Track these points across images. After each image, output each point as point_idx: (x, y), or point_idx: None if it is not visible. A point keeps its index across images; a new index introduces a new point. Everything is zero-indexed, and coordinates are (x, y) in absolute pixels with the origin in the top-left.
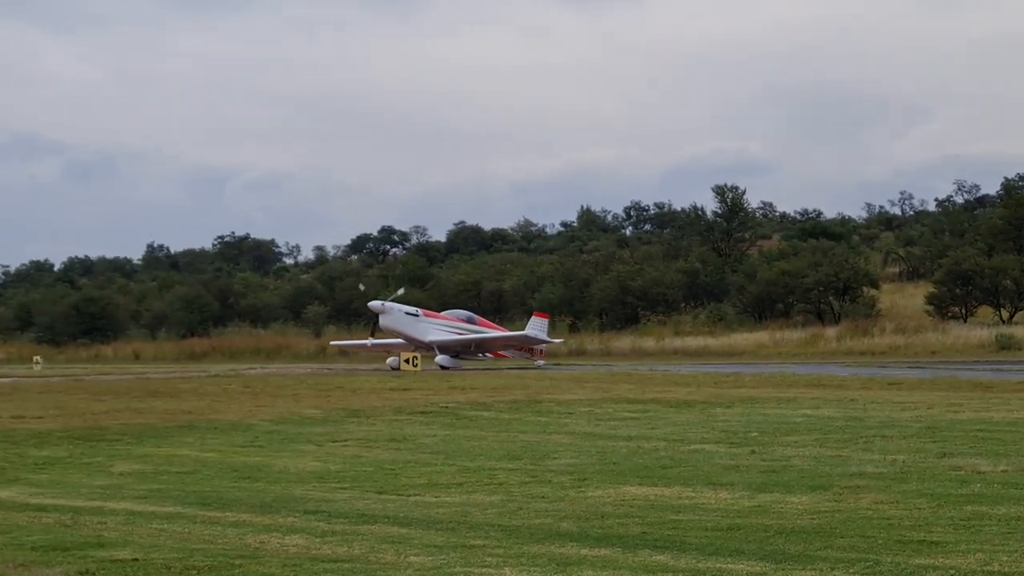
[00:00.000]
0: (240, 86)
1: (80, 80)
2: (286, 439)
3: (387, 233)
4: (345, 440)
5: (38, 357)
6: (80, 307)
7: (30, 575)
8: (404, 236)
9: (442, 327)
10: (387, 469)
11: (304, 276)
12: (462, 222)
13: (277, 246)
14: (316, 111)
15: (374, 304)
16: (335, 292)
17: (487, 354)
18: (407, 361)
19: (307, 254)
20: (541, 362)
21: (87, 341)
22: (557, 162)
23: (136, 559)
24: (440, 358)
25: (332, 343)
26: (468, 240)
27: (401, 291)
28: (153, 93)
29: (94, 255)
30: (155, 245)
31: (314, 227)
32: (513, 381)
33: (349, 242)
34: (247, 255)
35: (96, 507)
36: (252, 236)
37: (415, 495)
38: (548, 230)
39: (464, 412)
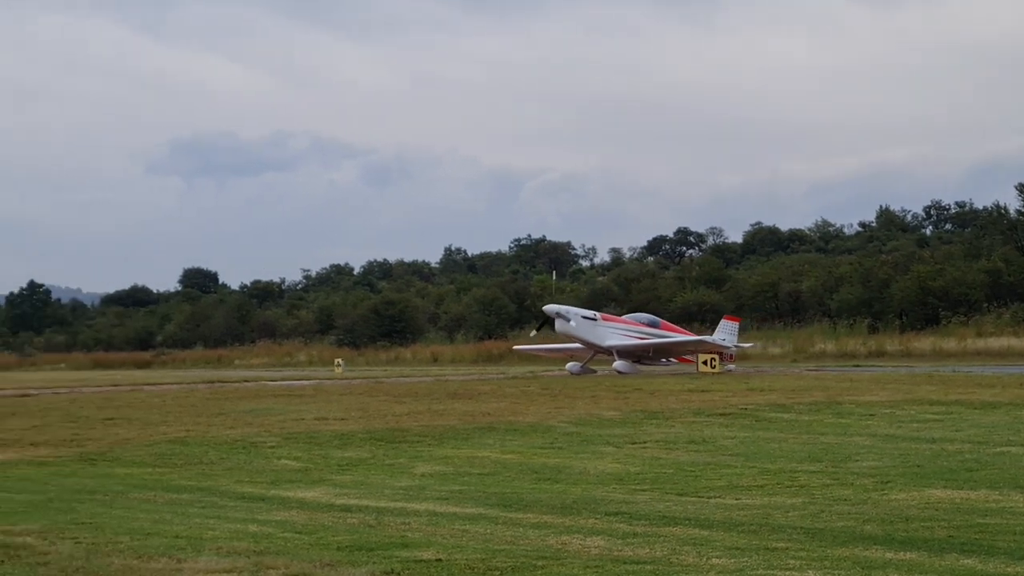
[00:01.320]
0: (536, 88)
1: (377, 85)
2: (585, 441)
3: (683, 234)
4: (644, 442)
5: (339, 359)
6: (379, 310)
7: (336, 574)
8: (700, 237)
9: (622, 331)
10: (687, 471)
11: (600, 278)
12: (758, 223)
13: (573, 248)
14: (611, 113)
15: (549, 308)
16: (631, 294)
17: (671, 359)
18: (704, 363)
19: (603, 256)
20: (732, 367)
21: (386, 343)
22: (854, 161)
23: (439, 559)
24: (617, 363)
25: (515, 347)
26: (764, 241)
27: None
28: (449, 96)
29: (392, 258)
30: (452, 248)
31: (609, 229)
32: (812, 383)
33: (645, 244)
34: (543, 257)
35: (399, 508)
36: (548, 238)
37: (715, 497)
38: (846, 230)
39: (763, 414)
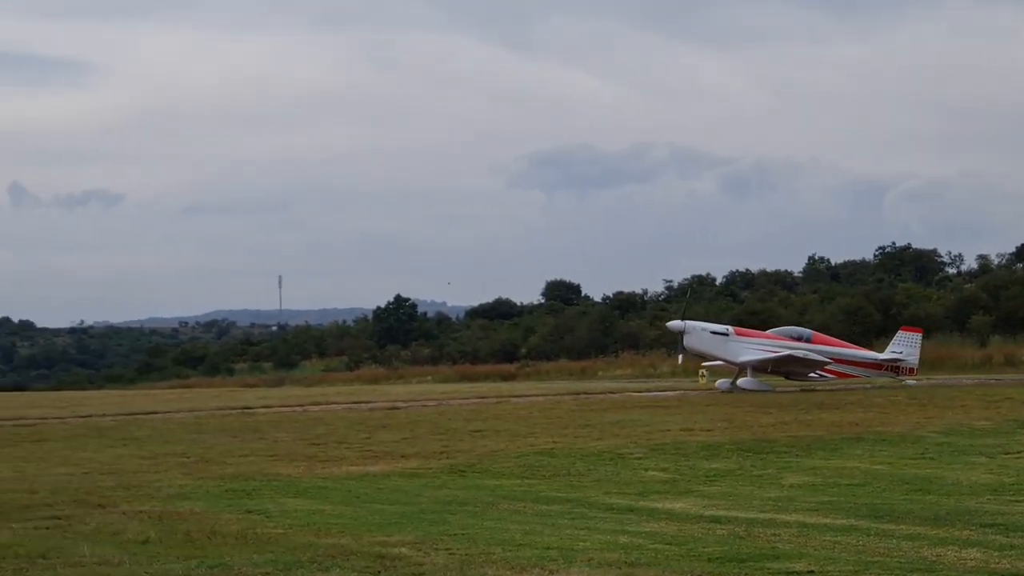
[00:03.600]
0: (897, 94)
1: (735, 94)
2: (956, 451)
3: None
4: (1018, 452)
5: (704, 370)
6: (743, 320)
7: None
8: None
9: (758, 346)
10: None
11: (967, 286)
12: None
13: (939, 255)
14: (975, 117)
15: (673, 324)
16: (1000, 301)
17: (823, 374)
18: None
19: (970, 263)
20: (912, 381)
21: None
22: None
23: (811, 571)
24: (742, 380)
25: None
26: None
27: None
28: (809, 104)
29: (755, 268)
30: (815, 257)
31: (976, 235)
32: None
33: (1013, 250)
34: (908, 265)
35: (768, 519)
36: (913, 246)
37: None
38: None
39: None
